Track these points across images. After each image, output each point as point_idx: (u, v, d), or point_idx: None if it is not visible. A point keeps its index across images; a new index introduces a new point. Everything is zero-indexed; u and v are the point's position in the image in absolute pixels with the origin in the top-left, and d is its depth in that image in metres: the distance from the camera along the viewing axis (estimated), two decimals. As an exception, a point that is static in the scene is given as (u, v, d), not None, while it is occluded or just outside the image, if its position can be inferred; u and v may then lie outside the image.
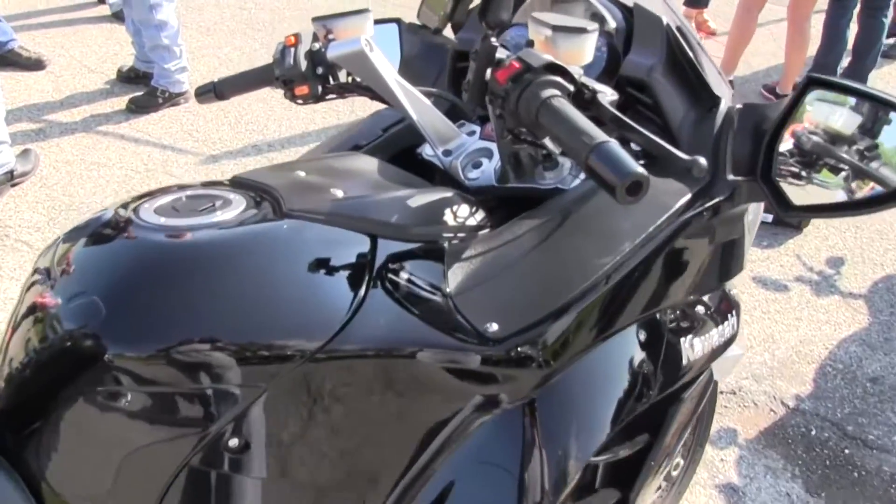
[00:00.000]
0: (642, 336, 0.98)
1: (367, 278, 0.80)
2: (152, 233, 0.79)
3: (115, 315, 0.74)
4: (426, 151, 1.11)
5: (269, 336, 0.76)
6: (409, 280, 0.82)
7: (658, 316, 1.00)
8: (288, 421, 0.78)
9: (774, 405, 2.23)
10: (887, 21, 3.91)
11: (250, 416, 0.76)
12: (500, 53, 0.88)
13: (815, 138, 0.93)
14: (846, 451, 2.09)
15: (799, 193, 0.93)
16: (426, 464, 0.82)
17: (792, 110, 0.92)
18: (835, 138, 0.92)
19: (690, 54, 1.04)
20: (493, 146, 1.05)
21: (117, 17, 4.20)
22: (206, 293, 0.75)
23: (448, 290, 0.82)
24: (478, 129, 1.11)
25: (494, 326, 0.79)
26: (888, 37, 4.20)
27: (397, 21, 1.31)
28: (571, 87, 0.82)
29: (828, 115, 0.93)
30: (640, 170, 0.67)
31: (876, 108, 0.90)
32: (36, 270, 0.85)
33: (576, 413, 0.90)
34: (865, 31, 3.92)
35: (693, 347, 1.06)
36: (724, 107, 1.01)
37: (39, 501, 0.78)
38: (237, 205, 0.84)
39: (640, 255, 0.89)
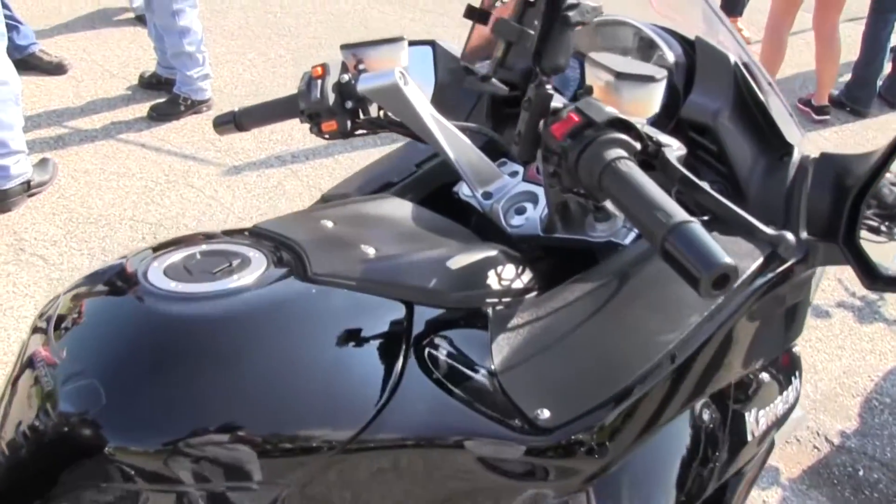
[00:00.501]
0: (705, 415, 0.90)
1: (403, 354, 0.72)
2: (161, 302, 0.70)
3: (116, 403, 0.65)
4: (463, 191, 1.04)
5: (293, 426, 0.67)
6: (449, 355, 0.74)
7: (721, 390, 0.91)
8: None
9: (818, 442, 2.13)
10: None
11: None
12: (556, 101, 0.79)
13: None
14: (902, 497, 1.97)
15: (882, 253, 0.85)
16: None
17: (882, 168, 0.81)
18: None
19: (761, 97, 0.94)
20: (539, 190, 0.98)
21: (141, 20, 4.12)
22: (221, 376, 0.67)
23: (493, 366, 0.74)
24: (520, 169, 1.03)
25: (546, 413, 0.71)
26: None
27: (432, 43, 1.21)
28: (638, 145, 0.72)
29: None
30: (729, 260, 0.58)
31: None
32: (35, 330, 0.77)
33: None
34: None
35: (758, 421, 0.98)
36: (797, 156, 0.92)
37: None
38: (257, 265, 0.75)
39: (708, 330, 0.79)
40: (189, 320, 0.69)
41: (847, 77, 4.11)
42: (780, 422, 1.04)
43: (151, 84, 3.64)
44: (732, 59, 0.96)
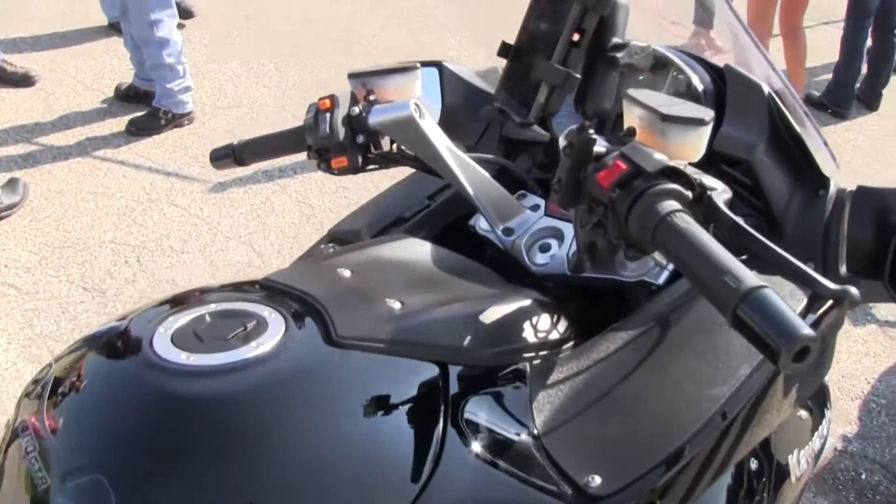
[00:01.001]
0: (752, 464, 0.87)
1: (441, 422, 0.67)
2: (171, 378, 0.63)
3: (123, 499, 0.58)
4: (481, 225, 1.00)
5: None
6: (489, 419, 0.70)
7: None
8: None
9: (822, 448, 2.11)
10: None
11: None
12: (598, 146, 0.74)
13: None
14: (898, 496, 1.99)
15: None
16: None
17: None
18: None
19: (797, 129, 0.93)
20: (564, 226, 0.95)
21: (114, 27, 3.92)
22: (242, 463, 0.60)
23: (536, 429, 0.71)
24: (541, 201, 0.99)
25: (597, 480, 0.68)
26: None
27: (439, 65, 1.15)
28: (690, 194, 0.69)
29: None
30: (809, 331, 0.55)
31: None
32: (28, 397, 0.70)
33: None
34: (879, 49, 4.08)
35: (799, 462, 0.97)
36: (833, 190, 0.92)
37: None
38: (275, 328, 0.68)
39: (757, 381, 0.77)
40: (204, 400, 0.62)
41: (826, 79, 4.23)
42: (817, 457, 1.03)
43: (129, 97, 3.46)
44: (766, 89, 0.93)
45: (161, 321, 0.68)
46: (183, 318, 0.69)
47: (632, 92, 0.77)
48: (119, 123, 3.32)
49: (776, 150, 0.93)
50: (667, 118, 0.74)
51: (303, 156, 0.98)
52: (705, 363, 0.78)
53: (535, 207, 0.99)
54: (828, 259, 0.88)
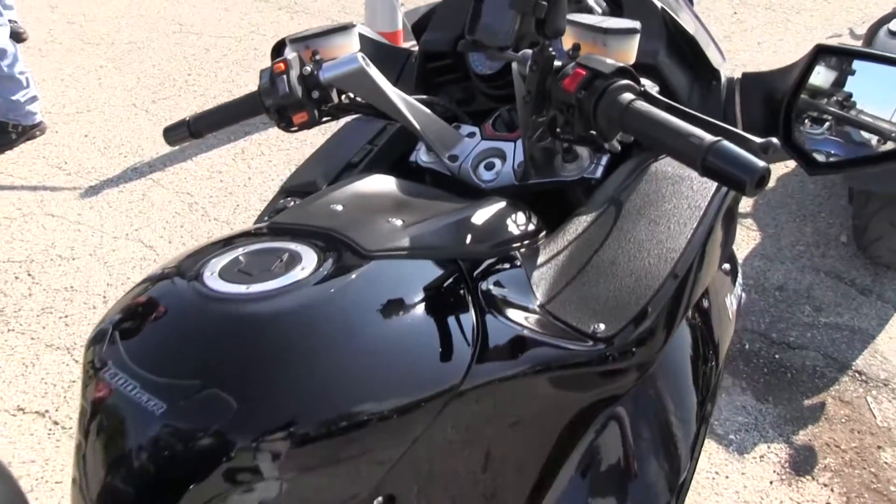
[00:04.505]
0: (705, 303, 1.04)
1: (472, 306, 0.77)
2: (243, 305, 0.68)
3: (243, 406, 0.63)
4: (422, 158, 1.10)
5: (403, 391, 0.69)
6: (504, 299, 0.81)
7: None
8: (427, 469, 0.75)
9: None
10: None
11: (393, 473, 0.71)
12: (557, 61, 0.87)
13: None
14: (776, 356, 2.32)
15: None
16: (553, 470, 0.84)
17: (805, 76, 0.98)
18: (815, 92, 0.98)
19: (690, 33, 1.09)
20: (503, 145, 1.06)
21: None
22: (320, 365, 0.67)
23: (538, 300, 0.83)
24: (476, 129, 1.10)
25: (601, 326, 0.80)
26: None
27: (350, 27, 1.26)
28: (639, 87, 0.82)
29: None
30: (764, 163, 0.67)
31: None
32: (95, 341, 0.72)
33: (672, 392, 0.95)
34: None
35: (731, 304, 1.15)
36: (724, 79, 1.09)
37: None
38: (308, 256, 0.74)
39: (704, 231, 0.91)
40: (282, 317, 0.67)
41: None
42: (739, 304, 1.20)
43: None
44: (658, 4, 1.09)
45: (202, 267, 0.72)
46: (221, 261, 0.73)
47: (572, 16, 0.91)
48: (-34, 144, 3.20)
49: (674, 53, 1.06)
50: (607, 31, 0.89)
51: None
52: (659, 226, 0.91)
53: (471, 135, 1.08)
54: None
